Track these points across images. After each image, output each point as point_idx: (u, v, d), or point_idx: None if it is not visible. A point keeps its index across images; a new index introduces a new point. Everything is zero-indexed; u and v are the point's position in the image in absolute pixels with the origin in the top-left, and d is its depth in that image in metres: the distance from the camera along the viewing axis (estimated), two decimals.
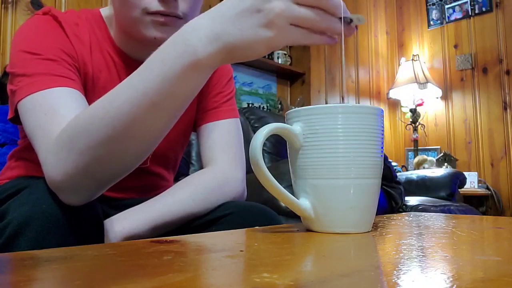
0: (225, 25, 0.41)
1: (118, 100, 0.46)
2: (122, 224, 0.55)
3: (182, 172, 1.56)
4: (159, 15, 0.59)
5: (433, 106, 3.51)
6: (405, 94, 3.44)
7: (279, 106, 2.86)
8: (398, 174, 2.40)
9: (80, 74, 0.63)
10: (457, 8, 3.44)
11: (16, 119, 0.59)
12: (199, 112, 0.77)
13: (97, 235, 0.52)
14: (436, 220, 0.54)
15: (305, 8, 0.40)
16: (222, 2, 0.43)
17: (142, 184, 0.72)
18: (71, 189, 0.50)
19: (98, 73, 0.66)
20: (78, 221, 0.50)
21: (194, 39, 0.42)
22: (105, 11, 0.70)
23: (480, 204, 3.04)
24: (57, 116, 0.53)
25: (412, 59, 3.47)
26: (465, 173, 2.72)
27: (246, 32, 0.40)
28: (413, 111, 3.47)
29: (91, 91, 0.64)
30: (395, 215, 0.60)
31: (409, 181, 2.62)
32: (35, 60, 0.58)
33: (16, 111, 0.57)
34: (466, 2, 3.37)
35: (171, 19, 0.60)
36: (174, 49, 0.44)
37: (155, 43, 0.55)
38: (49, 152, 0.51)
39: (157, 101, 0.45)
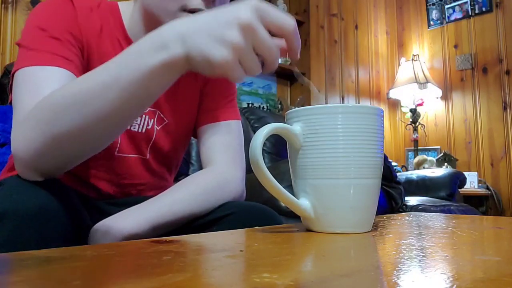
0: (194, 31, 0.43)
1: (92, 81, 0.48)
2: (123, 223, 0.54)
3: (182, 172, 1.56)
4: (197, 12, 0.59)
5: (433, 106, 3.51)
6: (405, 94, 3.44)
7: (279, 106, 2.85)
8: (398, 174, 2.40)
9: (83, 57, 0.64)
10: (457, 8, 3.44)
11: None
12: (200, 112, 0.77)
13: (75, 229, 0.51)
14: (436, 220, 0.54)
15: (268, 36, 0.41)
16: (208, 11, 0.45)
17: (142, 182, 0.72)
18: (32, 165, 0.51)
19: (104, 60, 0.66)
20: (52, 216, 0.49)
21: (169, 37, 0.44)
22: (123, 6, 0.71)
23: (480, 204, 3.04)
24: (37, 94, 0.53)
25: (412, 59, 3.47)
26: (465, 173, 2.72)
27: (206, 45, 0.41)
28: (413, 111, 3.47)
29: None
30: (395, 215, 0.60)
31: (409, 181, 2.62)
32: (39, 36, 0.59)
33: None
34: (466, 2, 3.37)
35: (201, 11, 0.60)
36: (152, 42, 0.45)
37: None
38: (18, 126, 0.52)
39: (128, 88, 0.46)
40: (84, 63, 0.64)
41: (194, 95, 0.77)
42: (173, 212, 0.58)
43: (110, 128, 0.50)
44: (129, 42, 0.68)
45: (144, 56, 0.45)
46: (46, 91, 0.53)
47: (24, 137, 0.50)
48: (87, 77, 0.49)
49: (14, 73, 0.58)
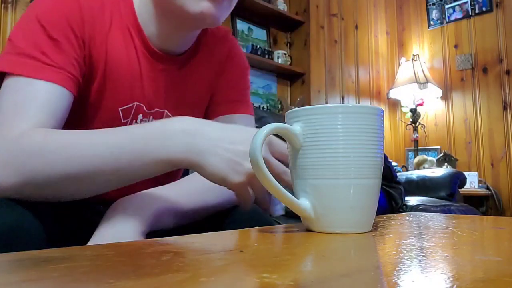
0: (215, 154, 0.47)
1: (89, 149, 0.49)
2: (141, 216, 0.51)
3: None
4: None
5: (433, 106, 3.51)
6: (405, 94, 3.44)
7: (279, 106, 2.85)
8: (398, 174, 2.40)
9: (84, 49, 0.61)
10: (457, 8, 3.44)
11: None
12: (212, 105, 0.76)
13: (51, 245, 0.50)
14: (436, 220, 0.54)
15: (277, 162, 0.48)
16: (232, 127, 0.50)
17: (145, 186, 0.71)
18: (8, 194, 0.49)
19: (111, 51, 0.64)
20: (24, 235, 0.47)
21: (187, 147, 0.48)
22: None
23: (480, 204, 3.04)
24: (24, 114, 0.52)
25: (412, 59, 3.47)
26: (465, 173, 2.72)
27: (225, 169, 0.47)
28: (413, 111, 3.47)
29: (101, 72, 0.63)
30: (395, 215, 0.60)
31: (409, 181, 2.62)
32: (36, 33, 0.56)
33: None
34: (466, 2, 3.37)
35: None
36: (168, 138, 0.48)
37: (198, 18, 0.60)
38: (2, 151, 0.50)
39: (124, 169, 0.49)
40: (87, 60, 0.61)
41: (204, 90, 0.75)
42: (192, 201, 0.57)
43: (89, 190, 0.52)
44: (139, 29, 0.65)
45: (154, 148, 0.48)
46: (33, 112, 0.53)
47: (5, 173, 0.49)
48: (84, 139, 0.50)
49: (3, 73, 0.55)
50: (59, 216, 0.57)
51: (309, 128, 0.41)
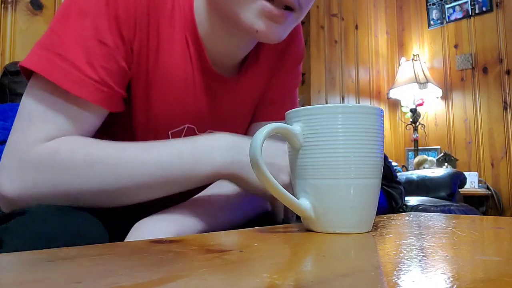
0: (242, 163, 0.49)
1: (136, 166, 0.48)
2: (168, 227, 0.49)
3: None
4: (273, 6, 0.51)
5: (433, 106, 3.51)
6: (405, 94, 3.44)
7: None
8: (398, 174, 2.40)
9: (132, 59, 0.54)
10: (457, 8, 3.44)
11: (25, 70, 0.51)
12: (259, 104, 0.70)
13: None
14: (436, 220, 0.54)
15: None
16: (269, 144, 0.49)
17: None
18: (19, 204, 0.47)
19: (168, 64, 0.58)
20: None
21: (222, 155, 0.49)
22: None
23: (480, 204, 3.04)
24: (48, 125, 0.49)
25: (412, 59, 3.47)
26: (465, 173, 2.72)
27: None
28: (413, 111, 3.47)
29: (147, 83, 0.57)
30: (395, 215, 0.60)
31: (409, 181, 2.62)
32: (85, 35, 0.50)
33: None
34: (466, 2, 3.37)
35: (284, 13, 0.52)
36: (209, 152, 0.49)
37: (254, 36, 0.55)
38: (16, 164, 0.47)
39: (169, 184, 0.49)
40: (135, 57, 0.55)
41: (256, 97, 0.69)
42: (218, 221, 0.56)
43: (126, 202, 0.51)
44: (196, 36, 0.58)
45: (203, 163, 0.49)
46: (59, 125, 0.49)
47: (22, 184, 0.47)
48: (131, 155, 0.49)
49: (35, 72, 0.49)
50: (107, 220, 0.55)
51: (309, 128, 0.41)
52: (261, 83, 0.68)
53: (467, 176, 2.73)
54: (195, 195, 0.57)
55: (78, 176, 0.47)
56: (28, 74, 0.51)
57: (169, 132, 0.61)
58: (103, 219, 0.49)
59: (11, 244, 0.42)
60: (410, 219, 0.55)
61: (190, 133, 0.63)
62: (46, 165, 0.47)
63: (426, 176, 2.63)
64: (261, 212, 0.64)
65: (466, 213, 2.25)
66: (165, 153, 0.49)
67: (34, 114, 0.49)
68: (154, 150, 0.50)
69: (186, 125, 0.62)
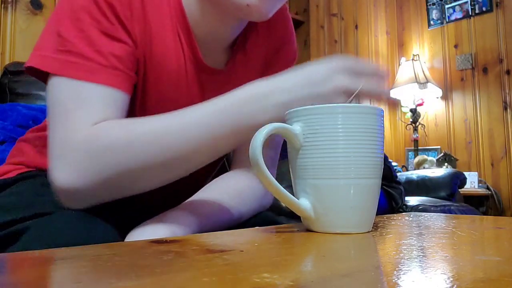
0: (290, 95, 0.48)
1: (168, 130, 0.48)
2: (172, 230, 0.49)
3: None
4: None
5: (433, 106, 3.51)
6: (405, 94, 3.44)
7: None
8: (398, 174, 2.40)
9: (136, 47, 0.55)
10: (457, 8, 3.44)
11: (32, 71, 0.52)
12: None
13: None
14: (436, 220, 0.54)
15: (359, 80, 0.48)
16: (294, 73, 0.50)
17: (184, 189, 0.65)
18: (78, 197, 0.48)
19: (160, 53, 0.58)
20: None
21: (260, 106, 0.48)
22: None
23: (480, 204, 3.03)
24: (84, 114, 0.49)
25: (412, 59, 3.47)
26: (465, 173, 2.72)
27: (303, 102, 0.46)
28: (413, 111, 3.47)
29: (141, 75, 0.58)
30: (395, 215, 0.60)
31: (409, 181, 2.62)
32: (90, 25, 0.51)
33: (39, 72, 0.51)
34: (466, 2, 3.37)
35: None
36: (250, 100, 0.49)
37: (244, 13, 0.56)
38: (65, 156, 0.48)
39: (216, 144, 0.49)
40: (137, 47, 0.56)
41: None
42: (220, 219, 0.56)
43: (175, 175, 0.51)
44: (186, 25, 0.59)
45: (249, 112, 0.48)
46: (94, 113, 0.50)
47: (76, 173, 0.47)
48: (159, 123, 0.49)
49: (51, 75, 0.50)
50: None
51: (309, 128, 0.41)
52: (252, 76, 0.68)
53: (467, 176, 2.73)
54: (189, 197, 0.58)
55: (126, 156, 0.48)
56: (40, 75, 0.52)
57: None
58: (116, 225, 0.50)
59: (29, 247, 0.42)
60: (410, 219, 0.55)
61: None
62: (94, 150, 0.48)
63: (426, 176, 2.63)
64: (258, 211, 0.64)
65: (466, 213, 2.25)
66: (208, 111, 0.49)
67: (67, 109, 0.50)
68: (195, 112, 0.49)
69: None
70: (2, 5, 1.70)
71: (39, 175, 0.62)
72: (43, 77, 0.52)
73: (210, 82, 0.64)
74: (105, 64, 0.51)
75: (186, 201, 0.57)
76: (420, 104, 3.47)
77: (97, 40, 0.51)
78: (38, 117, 1.30)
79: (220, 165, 0.77)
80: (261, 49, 0.69)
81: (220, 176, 0.65)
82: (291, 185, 0.44)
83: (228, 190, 0.60)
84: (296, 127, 0.41)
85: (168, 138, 0.48)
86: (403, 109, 3.66)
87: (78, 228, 0.46)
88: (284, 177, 0.68)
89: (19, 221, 0.48)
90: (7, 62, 1.65)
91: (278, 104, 0.48)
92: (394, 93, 3.50)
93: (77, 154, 0.48)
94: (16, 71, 1.48)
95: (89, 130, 0.48)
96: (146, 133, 0.49)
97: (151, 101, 0.60)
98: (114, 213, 0.52)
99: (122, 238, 0.49)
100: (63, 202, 0.50)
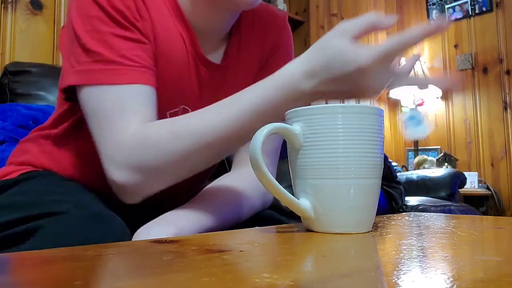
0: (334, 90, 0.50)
1: (215, 118, 0.50)
2: (171, 229, 0.51)
3: None
4: None
5: (433, 106, 3.51)
6: (405, 94, 3.44)
7: None
8: (398, 174, 2.40)
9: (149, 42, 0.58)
10: (457, 8, 3.44)
11: (67, 93, 0.56)
12: None
13: None
14: (436, 220, 0.54)
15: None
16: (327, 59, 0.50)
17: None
18: (137, 192, 0.52)
19: (162, 42, 0.61)
20: None
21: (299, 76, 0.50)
22: None
23: (480, 204, 3.03)
24: (126, 116, 0.52)
25: None
26: (465, 173, 2.72)
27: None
28: None
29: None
30: (395, 215, 0.60)
31: (409, 181, 2.62)
32: (112, 35, 0.54)
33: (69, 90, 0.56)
34: (466, 2, 3.37)
35: None
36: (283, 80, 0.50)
37: (231, 1, 0.58)
38: (118, 156, 0.51)
39: (250, 124, 0.50)
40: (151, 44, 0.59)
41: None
42: (222, 219, 0.57)
43: (222, 155, 0.55)
44: (182, 16, 0.61)
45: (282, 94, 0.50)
46: (135, 110, 0.53)
47: (131, 169, 0.51)
48: (205, 113, 0.52)
49: (83, 86, 0.54)
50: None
51: (309, 128, 0.41)
52: (247, 76, 0.70)
53: (467, 176, 2.73)
54: (189, 197, 0.58)
55: (171, 148, 0.51)
56: (73, 93, 0.56)
57: (167, 113, 0.63)
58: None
59: (42, 246, 0.43)
60: (410, 219, 0.55)
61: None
62: (144, 144, 0.51)
63: (426, 176, 2.62)
64: (259, 210, 0.64)
65: (466, 213, 2.25)
66: (244, 99, 0.51)
67: (109, 113, 0.53)
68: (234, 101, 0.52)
69: (182, 106, 0.65)
70: (2, 5, 1.70)
71: (42, 174, 0.62)
72: (73, 95, 0.56)
73: (207, 76, 0.66)
74: (132, 65, 0.54)
75: (190, 200, 0.58)
76: (420, 104, 3.47)
77: (118, 46, 0.54)
78: (38, 117, 1.29)
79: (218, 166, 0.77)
80: (257, 50, 0.71)
81: (221, 177, 0.65)
82: (291, 185, 0.44)
83: (230, 190, 0.61)
84: (296, 127, 0.41)
85: (215, 122, 0.51)
86: (403, 109, 3.66)
87: (92, 227, 0.47)
88: (284, 177, 0.68)
89: (26, 219, 0.49)
90: (7, 62, 1.65)
91: (318, 94, 0.51)
92: (394, 93, 3.50)
93: (129, 151, 0.51)
94: (16, 71, 1.48)
95: (135, 129, 0.52)
96: (189, 123, 0.52)
97: (158, 91, 0.61)
98: (117, 213, 0.52)
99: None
100: (124, 200, 0.53)
